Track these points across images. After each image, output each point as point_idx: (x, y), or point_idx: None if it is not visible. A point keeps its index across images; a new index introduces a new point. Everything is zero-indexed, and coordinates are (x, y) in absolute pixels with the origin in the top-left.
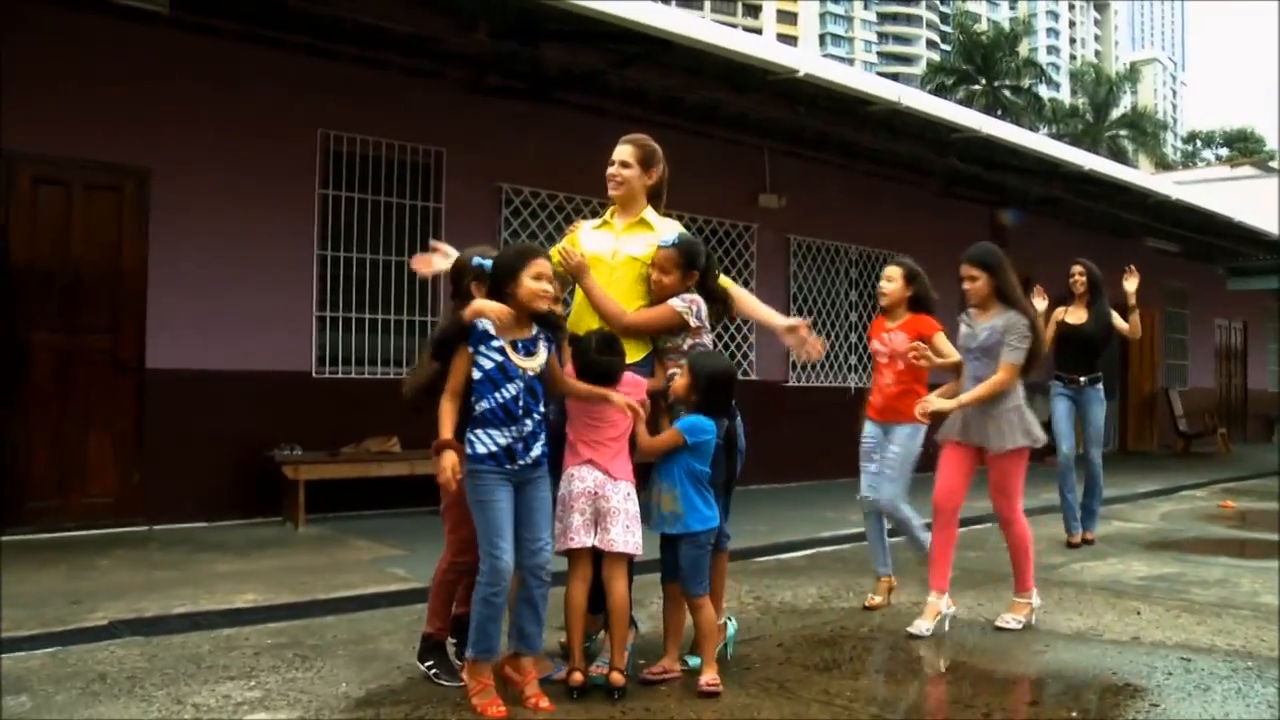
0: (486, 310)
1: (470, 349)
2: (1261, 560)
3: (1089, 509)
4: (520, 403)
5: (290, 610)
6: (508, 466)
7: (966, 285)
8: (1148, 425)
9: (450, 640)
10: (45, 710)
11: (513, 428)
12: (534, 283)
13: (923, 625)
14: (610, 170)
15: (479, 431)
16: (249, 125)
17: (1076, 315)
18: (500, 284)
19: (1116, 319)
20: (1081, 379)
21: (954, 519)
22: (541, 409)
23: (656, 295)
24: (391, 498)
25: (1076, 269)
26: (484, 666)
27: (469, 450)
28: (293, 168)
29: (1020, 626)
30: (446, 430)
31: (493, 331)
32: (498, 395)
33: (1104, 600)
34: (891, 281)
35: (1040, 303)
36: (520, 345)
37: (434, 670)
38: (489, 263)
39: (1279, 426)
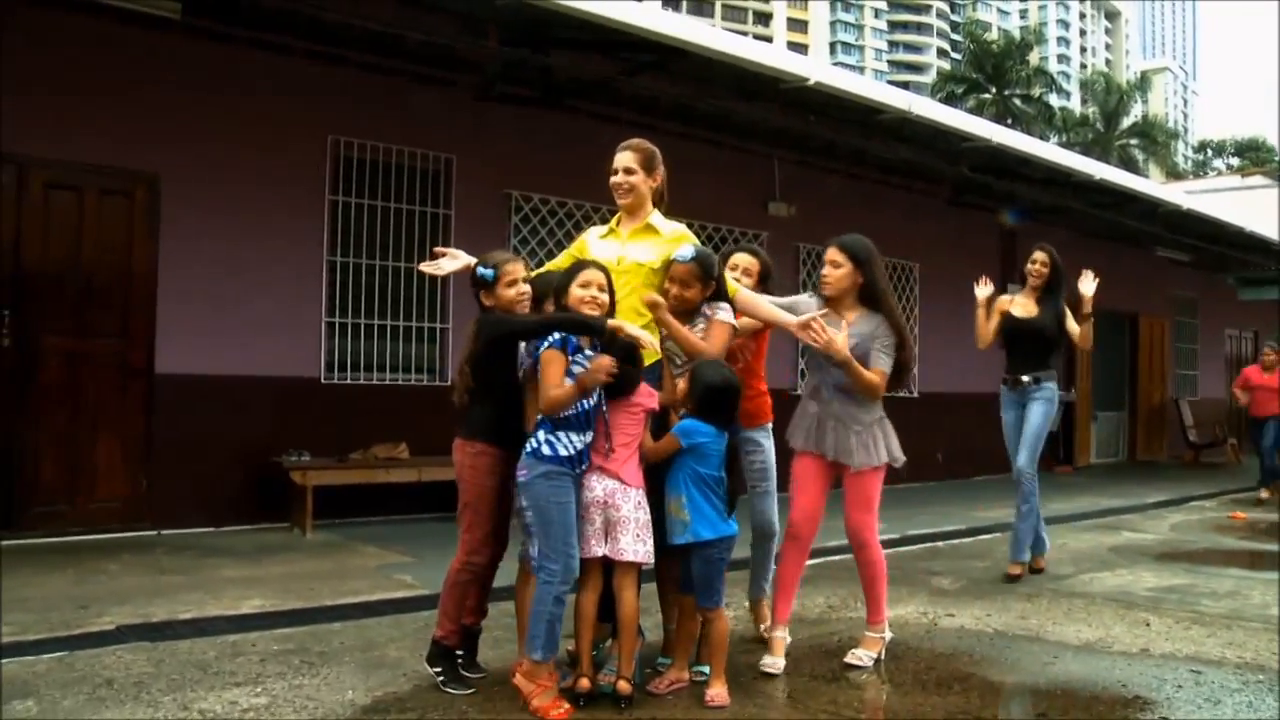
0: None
1: (568, 358)
2: (1273, 572)
3: (1018, 531)
4: (592, 410)
5: (297, 616)
6: (577, 470)
7: (825, 271)
8: (1157, 435)
9: (459, 653)
10: (51, 715)
11: (587, 432)
12: (580, 290)
13: (773, 661)
14: (615, 179)
15: (559, 434)
16: (259, 131)
17: (1026, 308)
18: (559, 295)
19: (1070, 322)
20: (1024, 378)
21: (810, 544)
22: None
23: (678, 308)
24: (399, 504)
25: (1039, 255)
26: (544, 668)
27: (549, 452)
28: (302, 174)
29: (871, 664)
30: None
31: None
32: (584, 402)
33: (1113, 612)
34: (750, 275)
35: (982, 290)
36: (588, 356)
37: (441, 677)
38: (491, 272)
39: None
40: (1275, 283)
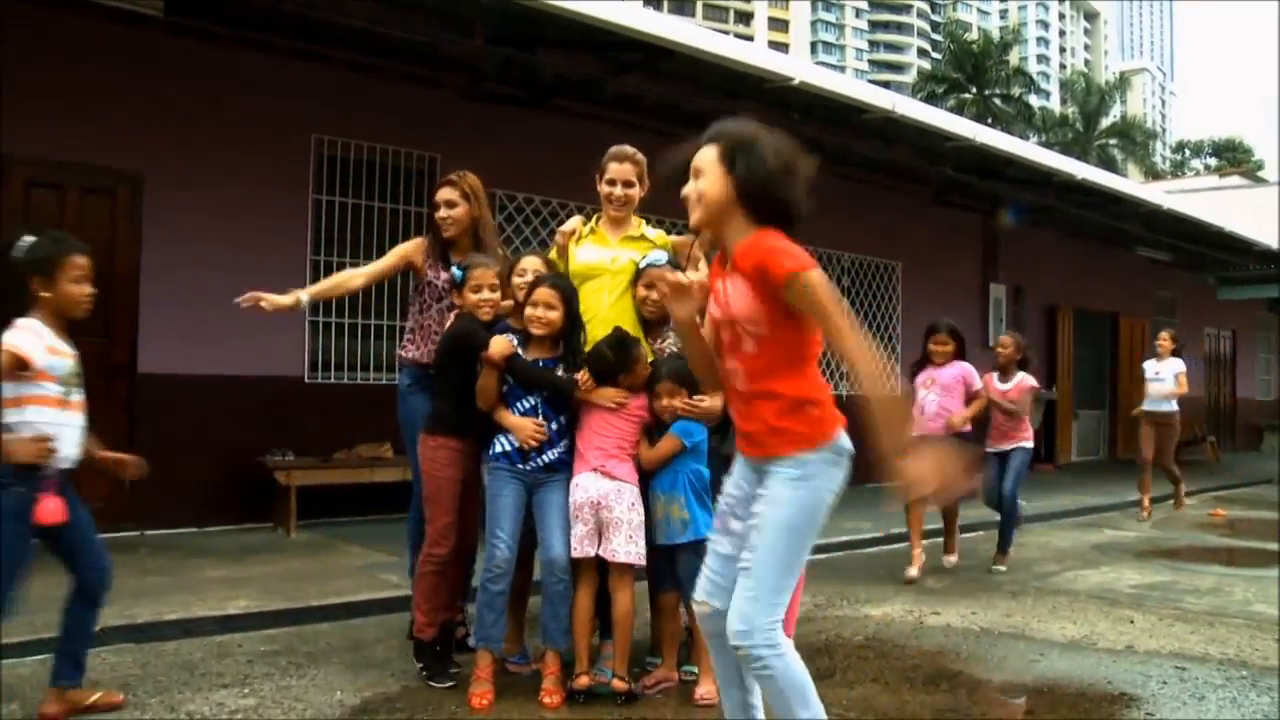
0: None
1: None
2: (1253, 569)
3: None
4: (539, 413)
5: (283, 616)
6: (519, 466)
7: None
8: (1137, 433)
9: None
10: (36, 718)
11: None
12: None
13: None
14: (614, 191)
15: (500, 434)
16: (242, 130)
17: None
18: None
19: None
20: None
21: None
22: (558, 421)
23: (659, 314)
24: (383, 503)
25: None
26: (482, 653)
27: (491, 451)
28: (286, 173)
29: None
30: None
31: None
32: (519, 406)
33: (1098, 609)
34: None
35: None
36: (541, 365)
37: (425, 671)
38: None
39: (1268, 435)
40: (1254, 282)
